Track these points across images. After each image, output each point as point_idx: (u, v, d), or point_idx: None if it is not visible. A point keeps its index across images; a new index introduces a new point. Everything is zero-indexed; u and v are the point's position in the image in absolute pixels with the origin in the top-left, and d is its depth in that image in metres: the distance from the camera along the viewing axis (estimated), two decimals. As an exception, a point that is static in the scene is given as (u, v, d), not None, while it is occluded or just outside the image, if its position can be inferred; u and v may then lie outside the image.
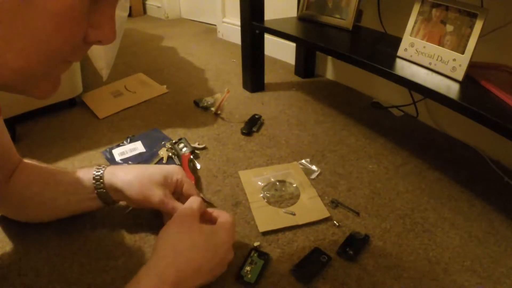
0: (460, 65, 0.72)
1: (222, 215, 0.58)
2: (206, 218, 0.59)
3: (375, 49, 0.96)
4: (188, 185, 0.66)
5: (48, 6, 0.30)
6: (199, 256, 0.49)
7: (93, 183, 0.63)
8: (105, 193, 0.63)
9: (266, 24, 1.15)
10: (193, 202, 0.57)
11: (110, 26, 0.36)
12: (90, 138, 0.98)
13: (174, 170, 0.66)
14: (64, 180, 0.64)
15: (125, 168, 0.67)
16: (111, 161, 0.87)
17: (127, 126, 1.05)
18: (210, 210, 0.61)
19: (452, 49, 0.73)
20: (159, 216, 0.71)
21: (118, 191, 0.63)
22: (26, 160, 0.66)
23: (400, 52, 0.84)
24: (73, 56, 0.36)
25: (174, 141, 0.93)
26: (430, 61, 0.78)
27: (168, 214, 0.61)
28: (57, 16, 0.31)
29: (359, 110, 1.15)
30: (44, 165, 0.67)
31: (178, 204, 0.61)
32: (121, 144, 0.93)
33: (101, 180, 0.63)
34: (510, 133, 0.59)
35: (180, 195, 0.66)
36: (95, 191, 0.63)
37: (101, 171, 0.63)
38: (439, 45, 0.76)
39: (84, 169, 0.65)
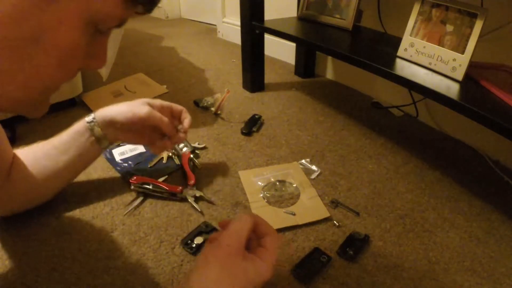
0: (460, 65, 0.72)
1: (269, 240, 0.50)
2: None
3: (375, 49, 0.96)
4: (174, 106, 0.75)
5: (56, 46, 0.32)
6: None
7: (87, 127, 0.69)
8: (101, 133, 0.69)
9: (266, 24, 1.15)
10: (243, 226, 0.48)
11: (104, 55, 0.39)
12: (90, 138, 0.98)
13: (156, 99, 0.74)
14: (60, 141, 0.69)
15: (113, 104, 0.72)
16: (111, 161, 0.87)
17: (127, 126, 1.05)
18: (258, 220, 0.51)
19: (452, 49, 0.73)
20: (159, 216, 0.71)
21: (110, 122, 0.69)
22: (18, 150, 0.68)
23: (400, 52, 0.84)
24: (66, 82, 0.39)
25: (174, 141, 0.93)
26: (430, 61, 0.78)
27: (157, 125, 0.70)
28: (63, 53, 0.33)
29: (359, 110, 1.15)
30: (37, 143, 0.70)
31: (165, 118, 0.70)
32: (121, 144, 0.93)
33: (95, 120, 0.69)
34: (510, 133, 0.59)
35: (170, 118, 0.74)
36: (91, 134, 0.69)
37: (92, 114, 0.70)
38: (439, 45, 0.76)
39: (74, 124, 0.70)
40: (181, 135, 0.75)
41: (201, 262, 0.45)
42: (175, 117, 0.77)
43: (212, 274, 0.43)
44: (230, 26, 1.91)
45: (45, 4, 0.30)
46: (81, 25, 0.33)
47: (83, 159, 0.71)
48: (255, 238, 0.51)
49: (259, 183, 0.80)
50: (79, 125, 0.69)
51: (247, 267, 0.45)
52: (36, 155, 0.68)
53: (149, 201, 0.75)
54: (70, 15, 0.32)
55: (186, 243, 0.65)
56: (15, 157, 0.67)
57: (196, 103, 1.18)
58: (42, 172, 0.67)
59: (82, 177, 0.82)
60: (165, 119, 0.71)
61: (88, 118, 0.69)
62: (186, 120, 0.76)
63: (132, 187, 0.76)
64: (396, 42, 0.86)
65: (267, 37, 1.22)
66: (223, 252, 0.45)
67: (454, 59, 0.73)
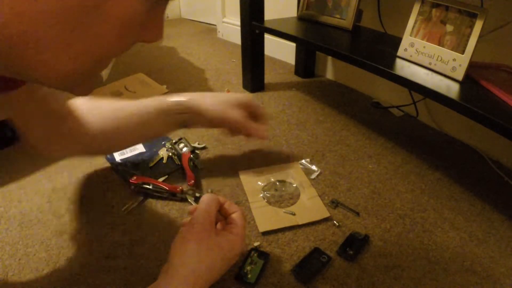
0: (460, 65, 0.72)
1: (236, 216, 0.56)
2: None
3: (375, 49, 0.96)
4: (258, 109, 0.78)
5: (116, 13, 0.30)
6: (217, 273, 0.50)
7: (175, 109, 0.71)
8: (187, 117, 0.72)
9: (266, 24, 1.15)
10: (209, 205, 0.54)
11: (161, 26, 0.37)
12: (90, 138, 0.98)
13: (246, 97, 0.77)
14: (135, 109, 0.71)
15: (202, 93, 0.75)
16: (111, 161, 0.87)
17: (127, 126, 1.05)
18: (221, 200, 0.58)
19: (452, 49, 0.73)
20: (159, 216, 0.71)
21: (200, 113, 0.72)
22: (81, 100, 0.68)
23: (400, 52, 0.84)
24: (118, 56, 0.36)
25: (174, 141, 0.93)
26: (430, 61, 0.78)
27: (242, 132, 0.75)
28: (122, 23, 0.31)
29: (359, 110, 1.15)
30: (112, 101, 0.72)
31: (252, 124, 0.74)
32: (121, 144, 0.93)
33: (185, 105, 0.71)
34: (510, 133, 0.59)
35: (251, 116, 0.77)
36: (176, 116, 0.72)
37: (181, 97, 0.73)
38: (439, 45, 0.76)
39: (155, 99, 0.72)
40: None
41: (179, 241, 0.50)
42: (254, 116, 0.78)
43: (191, 250, 0.48)
44: (230, 26, 1.91)
45: None
46: None
47: (154, 133, 0.76)
48: (222, 218, 0.58)
49: (259, 183, 0.80)
50: (164, 102, 0.72)
51: (221, 241, 0.51)
52: (104, 114, 0.69)
53: (149, 201, 0.75)
54: None
55: (186, 243, 0.64)
56: (74, 104, 0.66)
57: (196, 103, 1.17)
58: (104, 129, 0.68)
59: (82, 176, 0.82)
60: (253, 127, 0.74)
61: (177, 98, 0.72)
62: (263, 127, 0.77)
63: (132, 187, 0.76)
64: (396, 42, 0.86)
65: (267, 37, 1.22)
66: (198, 230, 0.50)
67: (454, 59, 0.73)
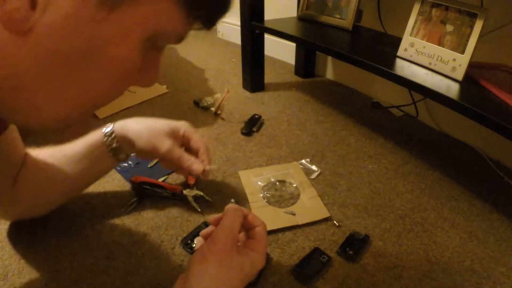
0: (460, 65, 0.72)
1: (259, 231, 0.52)
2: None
3: (375, 49, 0.96)
4: (195, 139, 0.68)
5: (113, 60, 0.29)
6: None
7: (105, 141, 0.64)
8: (118, 147, 0.65)
9: (266, 24, 1.14)
10: (233, 221, 0.49)
11: (157, 71, 0.36)
12: (90, 138, 0.98)
13: (181, 124, 0.69)
14: (72, 150, 0.65)
15: (134, 120, 0.68)
16: (111, 161, 0.87)
17: (127, 126, 1.05)
18: (245, 212, 0.52)
19: (452, 49, 0.73)
20: (159, 216, 0.71)
21: (129, 142, 0.65)
22: (30, 151, 0.65)
23: (400, 52, 0.84)
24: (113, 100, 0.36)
25: (174, 141, 0.92)
26: (430, 61, 0.78)
27: (175, 164, 0.65)
28: (119, 70, 0.30)
29: (359, 110, 1.15)
30: (49, 148, 0.66)
31: (185, 155, 0.65)
32: (121, 144, 0.93)
33: (113, 135, 0.65)
34: (510, 133, 0.59)
35: (188, 149, 0.69)
36: (108, 148, 0.65)
37: (111, 127, 0.65)
38: (439, 45, 0.76)
39: (90, 134, 0.66)
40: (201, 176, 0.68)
41: (199, 259, 0.46)
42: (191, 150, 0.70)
43: (211, 271, 0.44)
44: (230, 26, 1.91)
45: (104, 13, 0.27)
46: (142, 41, 0.30)
47: (96, 171, 0.68)
48: (243, 229, 0.54)
49: (259, 183, 0.80)
50: (95, 137, 0.65)
51: (243, 261, 0.47)
52: (46, 161, 0.64)
53: (149, 201, 0.75)
54: (133, 29, 0.29)
55: (186, 243, 0.65)
56: (27, 158, 0.63)
57: (196, 103, 1.18)
58: (50, 180, 0.64)
59: (82, 177, 0.82)
60: (186, 157, 0.65)
61: (106, 130, 0.65)
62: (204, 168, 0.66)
63: (132, 187, 0.76)
64: (396, 42, 0.86)
65: (267, 37, 1.22)
66: (220, 249, 0.46)
67: (454, 59, 0.73)
